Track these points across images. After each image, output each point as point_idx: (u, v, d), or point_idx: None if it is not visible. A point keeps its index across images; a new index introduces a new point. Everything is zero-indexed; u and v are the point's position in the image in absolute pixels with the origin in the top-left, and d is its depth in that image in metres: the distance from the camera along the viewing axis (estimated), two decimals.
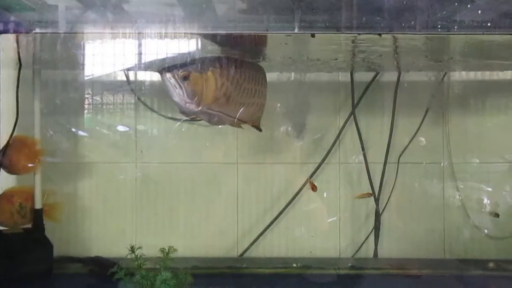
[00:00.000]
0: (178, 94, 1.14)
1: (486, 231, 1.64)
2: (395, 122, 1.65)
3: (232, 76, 1.21)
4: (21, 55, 1.44)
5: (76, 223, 1.65)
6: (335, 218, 1.67)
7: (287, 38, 1.16)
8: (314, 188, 1.55)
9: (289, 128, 1.65)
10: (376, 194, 1.64)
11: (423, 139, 1.64)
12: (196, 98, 1.15)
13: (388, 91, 1.66)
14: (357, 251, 1.66)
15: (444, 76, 1.63)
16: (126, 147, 1.67)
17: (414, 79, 1.66)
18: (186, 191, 1.68)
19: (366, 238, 1.65)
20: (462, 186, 1.65)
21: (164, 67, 1.16)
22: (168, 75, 1.14)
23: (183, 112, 1.21)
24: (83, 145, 1.65)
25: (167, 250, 1.15)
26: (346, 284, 1.52)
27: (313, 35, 1.06)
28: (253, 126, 1.35)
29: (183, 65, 1.17)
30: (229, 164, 1.68)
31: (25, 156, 1.44)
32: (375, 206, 1.65)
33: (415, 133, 1.65)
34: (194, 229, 1.68)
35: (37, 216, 1.50)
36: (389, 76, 1.65)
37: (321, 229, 1.68)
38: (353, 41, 1.22)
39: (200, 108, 1.17)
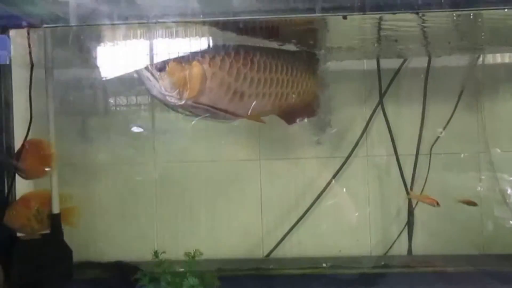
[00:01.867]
0: (154, 86, 1.05)
1: None
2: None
3: (231, 65, 1.09)
4: (32, 54, 1.39)
5: (95, 227, 1.59)
6: (357, 214, 1.59)
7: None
8: (433, 202, 1.40)
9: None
10: (408, 188, 1.55)
11: (441, 129, 1.54)
12: (177, 90, 1.05)
13: (417, 78, 1.57)
14: (389, 248, 1.57)
15: (477, 59, 1.53)
16: (143, 147, 1.60)
17: (445, 64, 1.56)
18: (208, 191, 1.61)
19: (399, 235, 1.56)
20: (500, 177, 1.55)
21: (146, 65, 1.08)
22: (141, 68, 1.05)
23: (173, 108, 1.11)
24: (99, 146, 1.60)
25: (192, 254, 1.08)
26: (379, 283, 1.43)
27: (345, 17, 0.97)
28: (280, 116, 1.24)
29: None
30: (252, 161, 1.61)
31: (40, 160, 1.38)
32: (407, 200, 1.56)
33: (448, 122, 1.55)
34: (216, 229, 1.61)
35: (55, 221, 1.44)
36: (417, 62, 1.56)
37: (350, 226, 1.60)
38: (380, 23, 1.14)
39: (184, 102, 1.06)
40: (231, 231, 1.61)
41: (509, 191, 1.50)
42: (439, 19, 1.14)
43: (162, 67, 1.05)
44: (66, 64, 1.50)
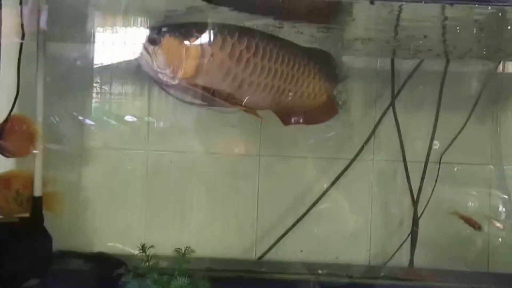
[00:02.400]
0: (146, 61, 0.95)
1: None
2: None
3: (233, 47, 0.99)
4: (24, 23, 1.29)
5: (78, 214, 1.48)
6: (357, 220, 1.51)
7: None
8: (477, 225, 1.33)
9: None
10: (415, 196, 1.46)
11: (437, 142, 1.47)
12: (171, 68, 0.95)
13: (430, 82, 1.49)
14: (390, 258, 1.49)
15: (498, 66, 1.45)
16: (137, 133, 1.51)
17: (461, 70, 1.48)
18: (202, 184, 1.52)
19: (401, 245, 1.48)
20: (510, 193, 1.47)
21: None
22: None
23: (164, 88, 1.02)
24: (89, 129, 1.49)
25: (183, 251, 0.98)
26: None
27: (372, 2, 0.88)
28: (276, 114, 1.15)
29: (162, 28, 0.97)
30: (251, 156, 1.52)
31: (25, 138, 1.28)
32: (411, 210, 1.48)
33: (460, 130, 1.47)
34: (208, 226, 1.52)
35: (36, 204, 1.33)
36: (433, 65, 1.48)
37: (349, 233, 1.51)
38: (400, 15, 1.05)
39: (177, 82, 0.97)
40: (224, 229, 1.51)
41: None
42: (464, 16, 1.06)
43: (156, 40, 0.94)
44: (59, 38, 1.40)
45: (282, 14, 1.01)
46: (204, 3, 0.95)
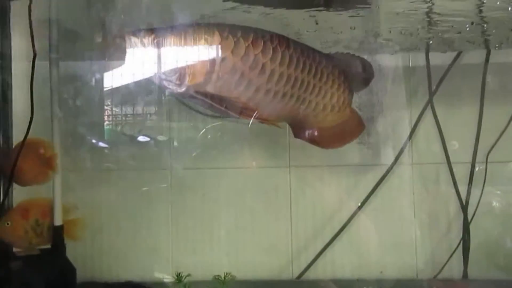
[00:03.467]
0: (150, 66, 0.88)
1: None
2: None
3: (247, 51, 0.89)
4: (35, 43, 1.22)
5: (102, 241, 1.40)
6: (401, 230, 1.39)
7: None
8: None
9: None
10: (464, 201, 1.34)
11: (455, 142, 1.35)
12: (177, 74, 0.86)
13: (469, 76, 1.38)
14: (440, 271, 1.36)
15: None
16: (158, 151, 1.42)
17: (504, 60, 1.37)
18: (230, 202, 1.42)
19: (452, 255, 1.36)
20: None
21: (131, 30, 0.87)
22: (134, 40, 0.85)
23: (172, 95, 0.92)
24: (109, 149, 1.41)
25: (223, 278, 0.88)
26: None
27: None
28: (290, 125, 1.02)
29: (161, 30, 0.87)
30: (280, 168, 1.42)
31: (38, 162, 1.19)
32: (458, 215, 1.36)
33: (507, 126, 1.35)
34: (239, 245, 1.42)
35: (57, 234, 1.25)
36: (472, 57, 1.37)
37: (393, 244, 1.39)
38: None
39: (184, 89, 0.87)
40: (257, 248, 1.41)
41: None
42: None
43: (160, 43, 0.86)
44: (73, 57, 1.33)
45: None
46: (237, 4, 0.86)
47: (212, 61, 0.87)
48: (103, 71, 1.35)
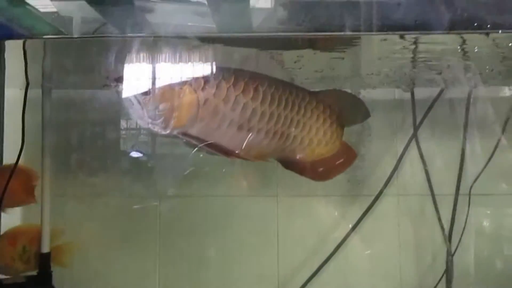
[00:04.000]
0: (136, 111, 0.90)
1: None
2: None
3: (228, 92, 0.93)
4: (28, 71, 1.25)
5: (89, 267, 1.40)
6: (368, 252, 1.41)
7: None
8: None
9: None
10: (447, 232, 1.37)
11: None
12: (162, 118, 0.90)
13: (452, 110, 1.42)
14: None
15: None
16: (144, 178, 1.43)
17: (484, 95, 1.41)
18: (217, 229, 1.43)
19: (437, 284, 1.37)
20: None
21: (119, 76, 0.92)
22: (122, 87, 0.90)
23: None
24: (95, 176, 1.42)
25: None
26: None
27: (402, 36, 0.82)
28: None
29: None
30: (268, 197, 1.44)
31: (18, 190, 1.20)
32: (442, 246, 1.38)
33: (489, 159, 1.39)
34: (227, 274, 1.43)
35: (44, 261, 1.26)
36: (455, 92, 1.42)
37: (379, 274, 1.41)
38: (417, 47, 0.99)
39: (169, 132, 0.91)
40: (243, 277, 1.42)
41: None
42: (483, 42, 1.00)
43: (148, 90, 0.90)
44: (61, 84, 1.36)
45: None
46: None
47: (195, 105, 0.91)
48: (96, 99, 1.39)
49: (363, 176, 1.42)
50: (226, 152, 0.94)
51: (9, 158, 1.29)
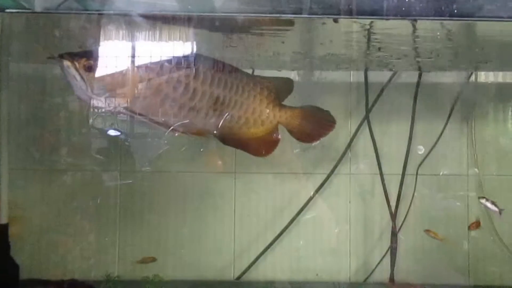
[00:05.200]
0: (80, 87, 0.94)
1: None
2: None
3: (171, 73, 0.98)
4: None
5: (48, 239, 1.43)
6: (337, 235, 1.48)
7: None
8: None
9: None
10: (393, 210, 1.45)
11: (421, 147, 1.46)
12: (106, 94, 0.95)
13: (405, 94, 1.48)
14: (370, 274, 1.46)
15: (470, 76, 1.45)
16: (108, 152, 1.46)
17: (435, 80, 1.48)
18: (177, 204, 1.48)
19: (381, 260, 1.46)
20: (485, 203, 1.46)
21: (64, 53, 0.94)
22: (66, 63, 0.92)
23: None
24: (57, 148, 1.44)
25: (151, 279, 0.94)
26: None
27: (336, 21, 0.87)
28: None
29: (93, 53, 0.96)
30: (226, 174, 1.49)
31: None
32: (390, 223, 1.46)
33: (436, 141, 1.46)
34: (184, 246, 1.48)
35: (2, 232, 1.28)
36: (406, 77, 1.48)
37: (329, 249, 1.49)
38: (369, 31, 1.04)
39: (111, 108, 0.96)
40: (201, 250, 1.47)
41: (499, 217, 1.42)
42: (432, 31, 1.05)
43: (91, 67, 0.93)
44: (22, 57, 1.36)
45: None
46: None
47: (139, 83, 0.95)
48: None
49: (318, 155, 1.48)
50: (168, 127, 0.99)
51: None
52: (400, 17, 0.84)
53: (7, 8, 1.02)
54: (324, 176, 1.47)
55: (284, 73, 1.38)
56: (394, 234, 1.43)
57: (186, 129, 1.01)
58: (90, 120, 1.44)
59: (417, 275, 1.45)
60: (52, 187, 1.43)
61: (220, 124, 1.06)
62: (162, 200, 1.48)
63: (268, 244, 1.47)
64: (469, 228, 1.40)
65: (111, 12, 0.99)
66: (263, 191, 1.49)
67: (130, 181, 1.47)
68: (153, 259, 1.34)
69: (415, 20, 0.86)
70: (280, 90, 1.13)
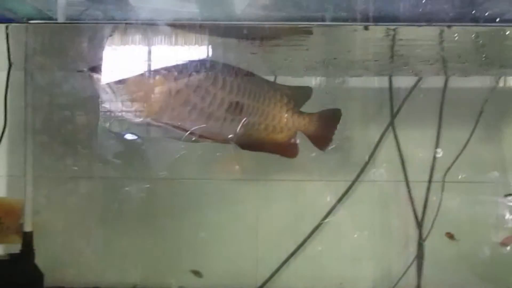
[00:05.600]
0: (110, 99, 0.95)
1: None
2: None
3: (199, 83, 0.99)
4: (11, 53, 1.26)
5: (72, 247, 1.44)
6: (355, 236, 1.45)
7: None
8: None
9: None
10: (419, 218, 1.41)
11: (439, 149, 1.42)
12: (135, 107, 0.95)
13: (430, 99, 1.45)
14: (396, 284, 1.43)
15: (498, 81, 1.41)
16: (129, 161, 1.46)
17: (461, 85, 1.44)
18: (197, 212, 1.47)
19: (408, 269, 1.43)
20: None
21: (93, 66, 0.96)
22: (96, 76, 0.93)
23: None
24: (80, 156, 1.45)
25: None
26: None
27: (366, 28, 0.85)
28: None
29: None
30: (248, 181, 1.47)
31: None
32: (417, 231, 1.43)
33: (463, 147, 1.43)
34: (205, 255, 1.47)
35: (27, 239, 1.29)
36: (433, 82, 1.45)
37: (353, 257, 1.46)
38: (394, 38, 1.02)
39: (141, 120, 0.96)
40: (222, 258, 1.46)
41: None
42: (460, 36, 1.02)
43: (122, 79, 0.94)
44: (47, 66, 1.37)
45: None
46: None
47: (168, 94, 0.95)
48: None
49: (341, 162, 1.46)
50: (194, 136, 1.00)
51: None
52: (431, 24, 0.82)
53: (28, 17, 1.03)
54: (348, 183, 1.45)
55: (306, 79, 1.37)
56: (420, 243, 1.40)
57: (210, 136, 1.02)
58: (107, 124, 1.45)
59: (444, 286, 1.42)
60: (71, 194, 1.44)
61: (240, 130, 1.06)
62: (182, 208, 1.47)
63: (291, 252, 1.45)
64: (501, 244, 1.35)
65: (136, 21, 0.99)
66: (285, 199, 1.48)
67: (148, 186, 1.47)
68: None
69: (448, 26, 0.83)
70: (299, 97, 1.14)
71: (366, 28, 0.85)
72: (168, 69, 0.97)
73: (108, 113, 0.96)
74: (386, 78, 1.43)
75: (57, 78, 1.40)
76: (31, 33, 1.21)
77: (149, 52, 0.98)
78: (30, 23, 1.02)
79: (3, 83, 1.31)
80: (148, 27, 0.98)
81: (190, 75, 0.97)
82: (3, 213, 1.26)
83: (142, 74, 0.95)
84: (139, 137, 1.44)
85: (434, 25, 0.86)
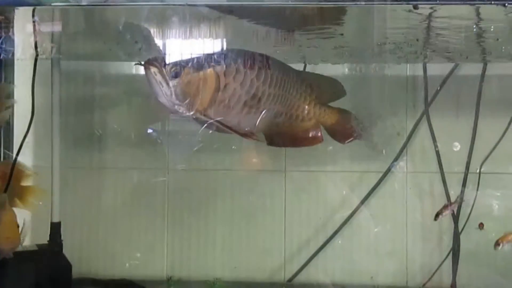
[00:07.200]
0: (165, 93, 0.93)
1: None
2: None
3: (245, 76, 0.99)
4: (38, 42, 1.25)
5: (98, 238, 1.43)
6: (376, 230, 1.41)
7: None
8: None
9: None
10: (455, 211, 1.36)
11: (457, 143, 1.37)
12: (188, 100, 0.95)
13: (466, 87, 1.39)
14: (429, 279, 1.38)
15: None
16: (155, 150, 1.44)
17: (499, 73, 1.38)
18: (225, 203, 1.45)
19: (442, 263, 1.37)
20: None
21: (150, 59, 0.94)
22: (154, 69, 0.92)
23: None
24: (106, 148, 1.44)
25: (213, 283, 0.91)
26: None
27: (415, 7, 0.80)
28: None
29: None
30: (276, 172, 1.44)
31: None
32: (452, 224, 1.38)
33: (501, 138, 1.37)
34: (233, 247, 1.44)
35: (54, 230, 1.29)
36: (469, 69, 1.39)
37: (384, 251, 1.41)
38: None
39: (192, 113, 0.96)
40: (250, 251, 1.43)
41: None
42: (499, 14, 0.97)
43: (177, 73, 0.94)
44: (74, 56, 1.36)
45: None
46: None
47: (217, 88, 0.96)
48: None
49: (371, 153, 1.41)
50: (237, 131, 1.00)
51: (20, 129, 1.31)
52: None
53: (53, 2, 1.02)
54: (379, 175, 1.41)
55: (337, 67, 1.33)
56: (456, 236, 1.35)
57: (250, 128, 1.02)
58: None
59: (480, 281, 1.37)
60: (103, 185, 1.43)
61: (272, 121, 1.06)
62: (211, 199, 1.45)
63: (320, 246, 1.41)
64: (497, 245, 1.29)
65: (160, 4, 0.97)
66: (314, 190, 1.44)
67: (177, 177, 1.45)
68: None
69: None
70: (325, 90, 1.12)
71: (415, 7, 0.79)
72: (217, 61, 0.97)
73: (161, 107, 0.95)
74: (420, 66, 1.38)
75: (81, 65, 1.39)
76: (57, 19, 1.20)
77: (204, 48, 1.00)
78: (54, 5, 1.01)
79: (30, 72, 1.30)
80: (190, 17, 0.96)
81: (237, 67, 0.97)
82: None
83: (195, 68, 0.95)
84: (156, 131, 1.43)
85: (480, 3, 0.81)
